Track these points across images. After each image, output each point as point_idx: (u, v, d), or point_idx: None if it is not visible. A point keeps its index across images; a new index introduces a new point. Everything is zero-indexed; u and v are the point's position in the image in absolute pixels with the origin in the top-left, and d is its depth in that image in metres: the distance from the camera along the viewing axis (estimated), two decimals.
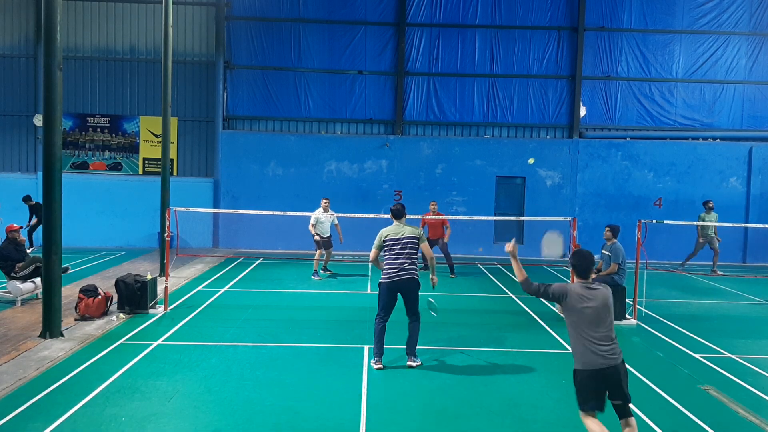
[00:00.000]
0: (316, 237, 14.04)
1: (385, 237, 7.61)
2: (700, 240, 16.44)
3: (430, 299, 8.00)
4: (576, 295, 4.94)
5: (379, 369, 7.46)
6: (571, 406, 6.48)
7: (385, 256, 7.61)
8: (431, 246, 14.15)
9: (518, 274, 5.30)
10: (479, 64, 19.45)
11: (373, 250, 7.73)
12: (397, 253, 7.50)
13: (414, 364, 7.66)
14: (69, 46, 19.00)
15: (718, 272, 16.13)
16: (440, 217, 14.30)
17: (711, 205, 16.41)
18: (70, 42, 19.08)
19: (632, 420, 5.08)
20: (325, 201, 14.33)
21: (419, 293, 7.65)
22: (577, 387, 5.02)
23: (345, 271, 15.10)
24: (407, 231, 7.62)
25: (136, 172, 19.49)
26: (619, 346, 4.99)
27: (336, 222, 14.50)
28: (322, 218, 14.12)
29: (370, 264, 13.93)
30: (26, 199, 17.05)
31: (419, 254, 7.72)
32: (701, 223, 15.29)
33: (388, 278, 7.47)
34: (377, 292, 7.73)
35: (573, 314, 4.96)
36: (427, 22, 19.30)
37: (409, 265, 7.51)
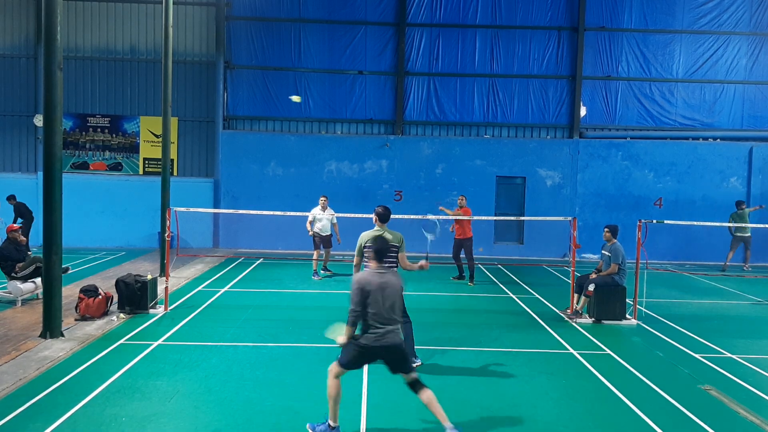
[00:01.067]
0: (315, 236, 14.06)
1: (365, 243, 7.19)
2: (737, 234, 16.67)
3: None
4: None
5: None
6: (572, 406, 6.49)
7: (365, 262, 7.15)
8: (459, 248, 13.97)
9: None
10: (479, 64, 19.45)
11: (356, 257, 7.30)
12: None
13: (414, 364, 7.65)
14: (69, 46, 19.00)
15: (748, 268, 16.94)
16: (466, 216, 13.32)
17: (744, 207, 16.58)
18: (70, 42, 19.08)
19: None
20: (323, 199, 14.33)
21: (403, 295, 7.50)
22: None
23: (345, 271, 15.09)
24: (388, 237, 7.17)
25: (137, 172, 19.49)
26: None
27: (334, 221, 14.48)
28: (319, 216, 14.12)
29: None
30: (10, 198, 16.80)
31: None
32: (738, 224, 15.92)
33: None
34: None
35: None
36: (427, 22, 19.30)
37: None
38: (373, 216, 7.44)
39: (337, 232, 14.53)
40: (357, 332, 5.48)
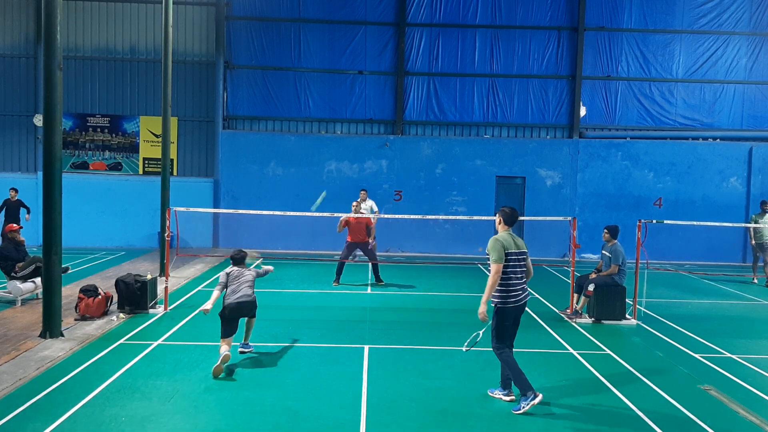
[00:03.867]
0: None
1: (508, 249, 6.36)
2: (753, 243, 14.84)
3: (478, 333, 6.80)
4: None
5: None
6: (571, 406, 6.49)
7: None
8: (354, 249, 13.31)
9: None
10: (479, 64, 19.46)
11: (497, 264, 6.30)
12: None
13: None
14: (69, 46, 19.00)
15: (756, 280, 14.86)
16: (363, 215, 13.08)
17: (767, 208, 14.59)
18: (70, 42, 19.08)
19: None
20: (363, 192, 13.98)
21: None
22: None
23: (345, 271, 15.06)
24: (519, 243, 6.53)
25: (136, 172, 19.49)
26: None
27: (376, 209, 14.29)
28: (363, 209, 13.71)
29: (370, 264, 13.93)
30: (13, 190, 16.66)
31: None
32: (753, 226, 14.25)
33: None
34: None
35: None
36: (427, 22, 19.30)
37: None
38: (497, 218, 6.66)
39: (373, 230, 13.48)
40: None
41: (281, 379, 7.15)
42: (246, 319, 8.09)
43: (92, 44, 19.34)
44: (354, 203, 13.52)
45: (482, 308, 6.32)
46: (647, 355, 8.55)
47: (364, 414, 6.14)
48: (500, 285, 6.36)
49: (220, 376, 7.10)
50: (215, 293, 7.76)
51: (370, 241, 13.26)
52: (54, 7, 8.37)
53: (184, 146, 19.61)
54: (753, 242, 14.80)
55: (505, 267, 6.29)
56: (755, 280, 14.78)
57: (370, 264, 13.85)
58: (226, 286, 7.85)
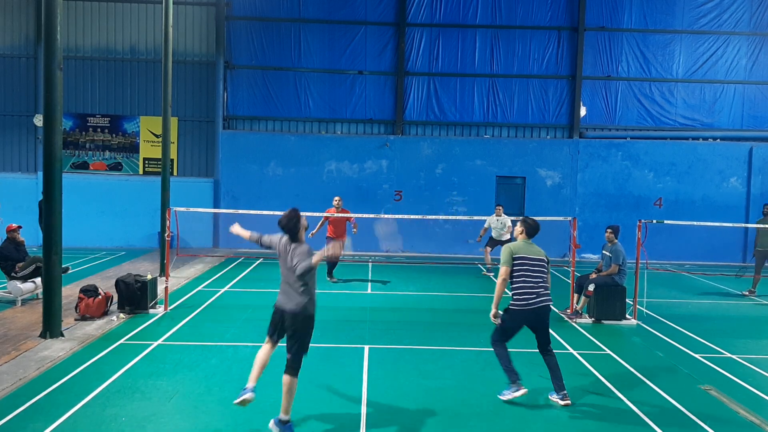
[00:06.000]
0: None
1: (517, 253, 6.60)
2: (759, 249, 13.17)
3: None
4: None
5: None
6: (572, 406, 6.48)
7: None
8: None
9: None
10: (479, 64, 19.46)
11: (506, 268, 6.57)
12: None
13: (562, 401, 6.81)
14: (69, 46, 19.00)
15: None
16: (345, 214, 13.20)
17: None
18: (70, 42, 19.08)
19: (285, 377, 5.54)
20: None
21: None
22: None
23: (344, 271, 15.08)
24: (538, 253, 6.68)
25: (137, 172, 19.49)
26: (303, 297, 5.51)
27: (509, 224, 14.56)
28: (495, 224, 14.58)
29: (370, 264, 13.93)
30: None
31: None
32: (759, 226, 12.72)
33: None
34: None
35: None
36: (427, 22, 19.30)
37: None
38: (519, 227, 6.81)
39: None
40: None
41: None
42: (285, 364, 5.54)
43: (92, 44, 19.34)
44: (331, 209, 13.37)
45: (493, 310, 6.64)
46: (647, 355, 8.55)
47: (364, 414, 6.14)
48: (513, 288, 6.58)
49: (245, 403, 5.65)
50: (249, 234, 6.14)
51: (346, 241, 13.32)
52: (54, 7, 8.37)
53: (184, 146, 19.62)
54: (758, 249, 13.15)
55: (516, 271, 6.49)
56: (752, 292, 13.24)
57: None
58: (263, 245, 5.94)
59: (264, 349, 5.71)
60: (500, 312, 6.63)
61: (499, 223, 14.54)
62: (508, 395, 6.52)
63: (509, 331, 6.65)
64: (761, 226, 12.75)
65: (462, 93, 19.54)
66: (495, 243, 14.59)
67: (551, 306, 6.64)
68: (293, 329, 5.52)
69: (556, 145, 19.32)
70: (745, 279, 13.42)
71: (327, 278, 13.48)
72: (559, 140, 19.45)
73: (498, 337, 6.69)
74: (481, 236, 15.06)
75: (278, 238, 5.77)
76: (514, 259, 6.50)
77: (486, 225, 14.84)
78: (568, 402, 6.46)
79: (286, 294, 5.58)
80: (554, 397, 6.58)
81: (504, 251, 6.59)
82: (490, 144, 19.33)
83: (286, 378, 5.48)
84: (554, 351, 6.74)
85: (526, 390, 6.49)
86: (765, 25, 19.44)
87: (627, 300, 10.48)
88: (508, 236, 14.32)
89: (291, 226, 5.61)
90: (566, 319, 10.51)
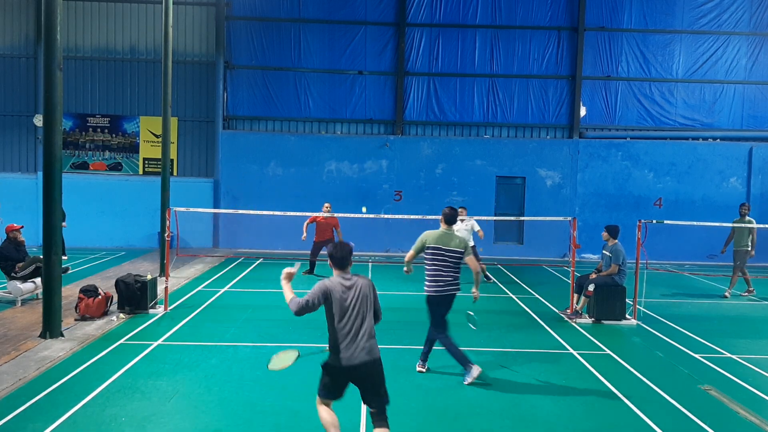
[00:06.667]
0: None
1: (428, 242, 7.15)
2: (735, 249, 12.93)
3: (470, 312, 7.50)
4: (338, 287, 4.77)
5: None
6: (572, 406, 6.49)
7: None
8: (320, 248, 13.82)
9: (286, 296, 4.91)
10: (479, 64, 19.46)
11: (411, 251, 7.33)
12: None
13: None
14: (69, 46, 19.01)
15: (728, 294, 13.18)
16: (332, 215, 13.27)
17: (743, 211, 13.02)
18: (70, 42, 19.08)
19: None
20: (462, 210, 13.17)
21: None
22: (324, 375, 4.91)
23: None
24: (455, 240, 7.14)
25: (136, 172, 19.49)
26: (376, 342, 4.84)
27: (478, 228, 13.61)
28: (457, 227, 13.29)
29: (370, 264, 13.93)
30: None
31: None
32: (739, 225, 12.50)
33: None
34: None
35: (334, 306, 4.78)
36: (427, 22, 19.31)
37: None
38: (440, 217, 7.31)
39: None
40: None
41: (281, 379, 7.15)
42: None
43: (92, 44, 19.34)
44: (322, 212, 13.47)
45: (405, 268, 7.52)
46: (647, 355, 8.55)
47: (364, 414, 6.14)
48: (427, 275, 7.20)
49: None
50: (295, 300, 4.96)
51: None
52: (54, 7, 8.37)
53: (184, 146, 19.62)
54: (753, 252, 12.82)
55: (430, 260, 7.13)
56: (751, 289, 13.18)
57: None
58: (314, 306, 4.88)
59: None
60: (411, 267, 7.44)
61: (463, 225, 13.44)
62: (469, 379, 7.01)
63: (436, 314, 7.22)
64: (738, 225, 12.71)
65: (462, 93, 19.55)
66: None
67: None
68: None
69: (556, 145, 19.32)
70: (740, 281, 13.35)
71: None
72: (559, 140, 19.45)
73: (434, 326, 7.26)
74: None
75: (331, 287, 4.83)
76: (426, 248, 7.12)
77: None
78: (422, 369, 7.36)
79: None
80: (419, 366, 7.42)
81: (419, 239, 7.19)
82: (490, 144, 19.33)
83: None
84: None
85: (480, 368, 7.08)
86: (765, 25, 19.44)
87: (627, 300, 10.48)
88: (473, 242, 13.40)
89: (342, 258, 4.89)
90: (566, 319, 10.51)
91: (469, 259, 7.17)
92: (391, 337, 9.03)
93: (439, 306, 7.15)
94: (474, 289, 7.43)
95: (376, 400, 4.82)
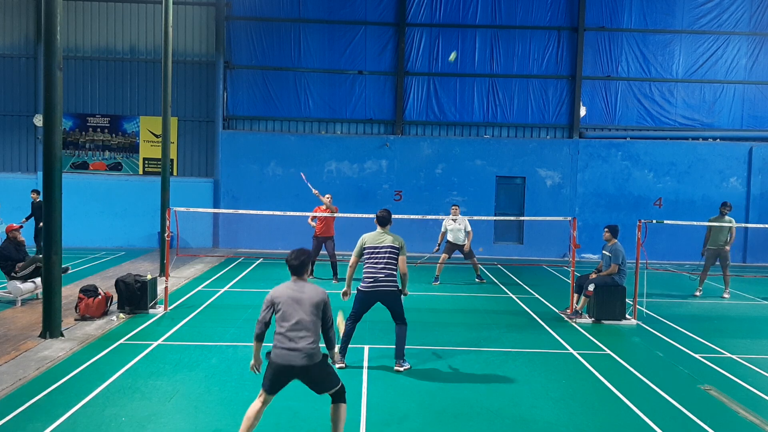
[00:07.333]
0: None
1: (365, 245, 7.54)
2: (709, 247, 13.05)
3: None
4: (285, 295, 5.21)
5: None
6: (571, 406, 6.49)
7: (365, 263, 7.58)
8: (321, 244, 13.64)
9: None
10: (479, 64, 19.46)
11: (353, 257, 7.61)
12: (375, 262, 7.43)
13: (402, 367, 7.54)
14: (69, 46, 19.01)
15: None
16: (333, 214, 13.15)
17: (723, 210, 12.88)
18: (70, 42, 19.09)
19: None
20: (454, 207, 13.49)
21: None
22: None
23: (343, 272, 15.06)
24: (389, 239, 7.54)
25: (136, 172, 19.49)
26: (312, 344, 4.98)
27: (470, 229, 13.64)
28: (451, 226, 13.53)
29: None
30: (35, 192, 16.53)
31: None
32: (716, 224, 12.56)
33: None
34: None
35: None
36: (427, 22, 19.30)
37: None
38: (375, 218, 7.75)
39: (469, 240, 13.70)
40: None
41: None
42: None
43: (92, 44, 19.34)
44: (320, 207, 13.45)
45: (345, 289, 7.63)
46: (647, 355, 8.55)
47: (364, 414, 6.14)
48: (363, 272, 7.51)
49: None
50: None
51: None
52: (54, 7, 8.37)
53: (184, 146, 19.62)
54: (727, 248, 12.86)
55: (366, 259, 7.49)
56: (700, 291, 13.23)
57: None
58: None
59: None
60: (353, 292, 7.59)
61: (456, 224, 13.56)
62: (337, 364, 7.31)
63: (357, 308, 7.52)
64: (715, 224, 12.64)
65: (462, 93, 19.55)
66: (453, 248, 13.69)
67: (394, 289, 7.44)
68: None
69: (556, 145, 19.33)
70: (745, 279, 13.35)
71: (333, 281, 13.53)
72: (559, 140, 19.45)
73: (351, 313, 7.56)
74: (439, 244, 13.87)
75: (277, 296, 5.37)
76: (363, 249, 7.51)
77: (443, 228, 13.81)
78: (407, 367, 7.48)
79: None
80: (397, 366, 7.48)
81: (357, 243, 7.57)
82: (490, 144, 19.33)
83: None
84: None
85: (345, 364, 7.48)
86: (765, 25, 19.44)
87: (627, 300, 10.48)
88: (467, 242, 13.60)
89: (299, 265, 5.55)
90: (566, 319, 10.51)
91: (401, 259, 7.54)
92: (391, 337, 9.01)
93: (362, 302, 7.47)
94: (402, 287, 7.66)
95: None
